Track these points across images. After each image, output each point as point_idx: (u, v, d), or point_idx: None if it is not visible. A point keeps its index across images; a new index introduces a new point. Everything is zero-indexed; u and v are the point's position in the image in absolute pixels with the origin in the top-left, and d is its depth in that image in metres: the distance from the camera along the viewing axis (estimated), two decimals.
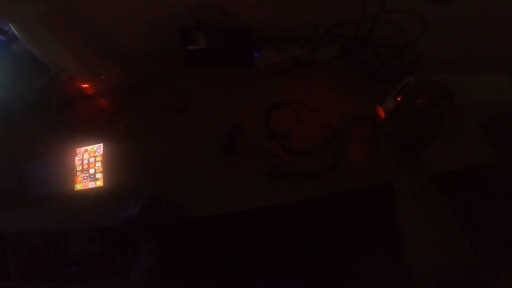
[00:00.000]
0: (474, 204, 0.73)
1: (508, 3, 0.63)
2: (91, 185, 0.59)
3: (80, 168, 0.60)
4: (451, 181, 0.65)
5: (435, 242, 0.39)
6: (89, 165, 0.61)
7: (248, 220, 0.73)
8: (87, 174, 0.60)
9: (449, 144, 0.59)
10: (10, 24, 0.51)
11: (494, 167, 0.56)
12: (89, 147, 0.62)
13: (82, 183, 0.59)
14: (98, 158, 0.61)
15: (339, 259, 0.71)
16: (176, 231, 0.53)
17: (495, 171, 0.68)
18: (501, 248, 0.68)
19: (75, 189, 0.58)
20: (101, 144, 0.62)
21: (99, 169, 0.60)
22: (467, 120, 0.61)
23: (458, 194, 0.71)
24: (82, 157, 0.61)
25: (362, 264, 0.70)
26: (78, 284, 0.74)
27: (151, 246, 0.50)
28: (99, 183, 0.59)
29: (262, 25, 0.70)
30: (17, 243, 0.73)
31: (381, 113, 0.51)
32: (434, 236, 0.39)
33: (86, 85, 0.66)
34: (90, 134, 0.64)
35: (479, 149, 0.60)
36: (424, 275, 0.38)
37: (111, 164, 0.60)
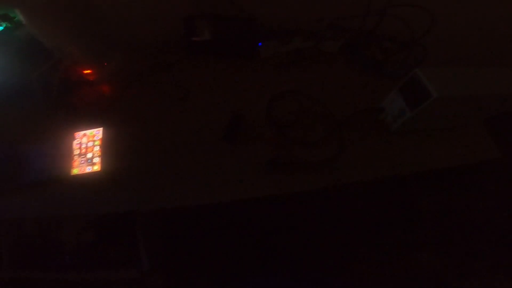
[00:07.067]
0: (476, 203, 0.71)
1: None
2: (88, 169, 0.58)
3: (78, 152, 0.60)
4: (453, 179, 0.64)
5: None
6: (87, 149, 0.60)
7: (248, 210, 0.71)
8: (85, 159, 0.59)
9: (452, 140, 0.58)
10: (16, 10, 0.51)
11: (498, 163, 0.55)
12: (88, 131, 0.62)
13: (79, 168, 0.58)
14: (97, 142, 0.60)
15: (338, 252, 0.70)
16: (175, 219, 0.52)
17: (498, 168, 0.67)
18: (501, 248, 0.66)
19: (72, 173, 0.58)
20: (101, 128, 0.61)
21: (97, 153, 0.59)
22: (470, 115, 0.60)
23: (459, 193, 0.70)
24: (81, 141, 0.61)
25: (362, 258, 0.69)
26: (70, 274, 0.72)
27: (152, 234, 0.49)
28: (96, 167, 0.58)
29: (267, 16, 0.70)
30: (9, 230, 0.72)
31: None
32: None
33: (88, 71, 0.66)
34: (90, 119, 0.63)
35: (483, 146, 0.59)
36: None
37: (109, 149, 0.60)
